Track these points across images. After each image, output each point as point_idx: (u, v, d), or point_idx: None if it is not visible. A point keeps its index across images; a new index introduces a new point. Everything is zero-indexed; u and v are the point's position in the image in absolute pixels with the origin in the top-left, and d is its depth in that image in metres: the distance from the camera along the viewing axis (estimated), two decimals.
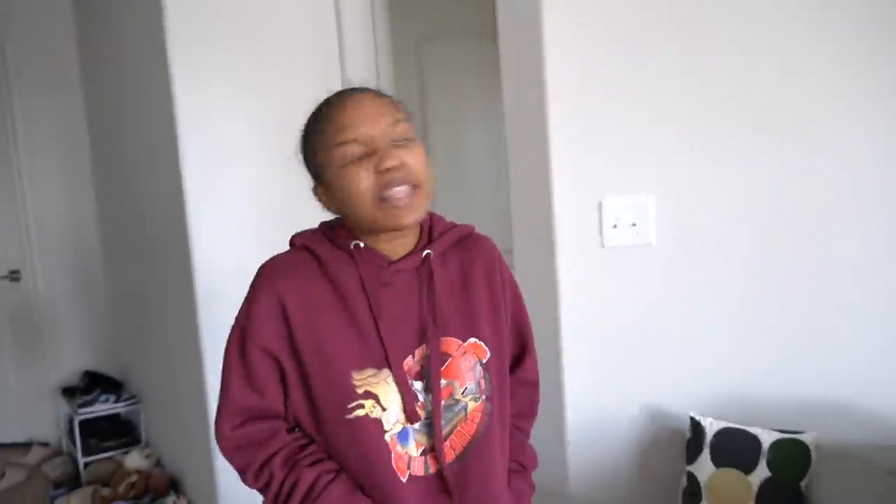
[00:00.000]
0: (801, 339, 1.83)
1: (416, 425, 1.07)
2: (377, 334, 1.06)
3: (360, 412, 1.04)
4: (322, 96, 1.13)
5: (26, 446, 3.74)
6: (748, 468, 1.69)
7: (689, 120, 1.85)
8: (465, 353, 1.11)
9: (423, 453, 1.08)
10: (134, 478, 3.00)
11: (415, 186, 1.05)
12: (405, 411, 1.06)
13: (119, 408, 3.48)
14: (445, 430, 1.08)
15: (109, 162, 3.53)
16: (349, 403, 1.04)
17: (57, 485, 3.29)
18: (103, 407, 3.43)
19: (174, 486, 2.99)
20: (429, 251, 1.11)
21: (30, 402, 3.86)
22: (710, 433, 1.75)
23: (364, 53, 2.76)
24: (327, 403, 1.06)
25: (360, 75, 2.71)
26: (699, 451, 1.75)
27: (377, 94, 1.10)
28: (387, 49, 2.83)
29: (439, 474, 1.08)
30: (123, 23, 2.95)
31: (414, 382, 1.07)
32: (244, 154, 2.56)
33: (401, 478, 1.06)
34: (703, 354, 1.88)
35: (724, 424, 1.75)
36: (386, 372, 1.05)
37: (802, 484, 1.65)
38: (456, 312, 1.12)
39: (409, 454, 1.07)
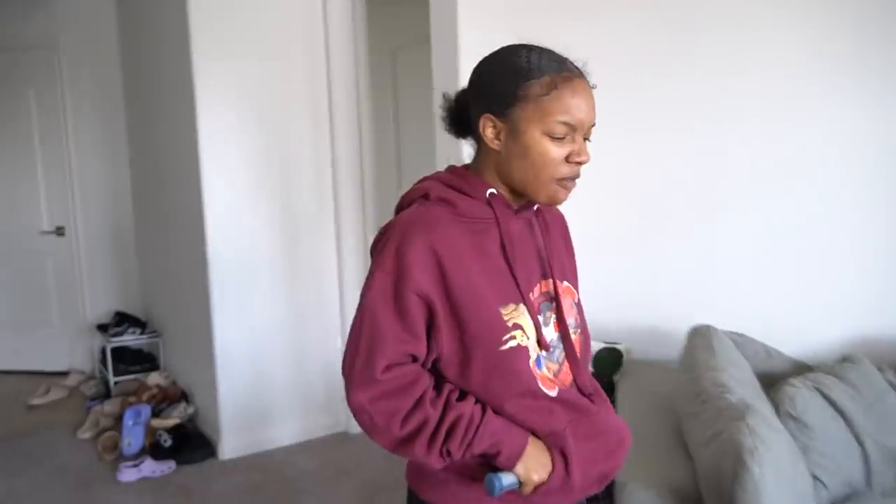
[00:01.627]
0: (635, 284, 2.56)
1: (544, 353, 1.14)
2: (511, 273, 1.13)
3: (513, 343, 1.10)
4: (482, 49, 1.20)
5: (66, 374, 4.51)
6: (608, 370, 2.41)
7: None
8: (564, 293, 1.22)
9: (554, 375, 1.16)
10: (154, 391, 3.77)
11: None
12: (538, 340, 1.13)
13: (143, 340, 4.26)
14: (562, 357, 1.18)
15: (141, 136, 4.30)
16: (503, 336, 1.10)
17: (92, 399, 4.07)
18: (130, 338, 4.22)
19: (185, 397, 3.76)
20: (538, 206, 1.22)
21: (70, 337, 4.65)
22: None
23: (346, 59, 3.49)
24: (481, 339, 1.09)
25: (343, 77, 3.47)
26: None
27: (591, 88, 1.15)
28: (365, 55, 3.55)
29: (573, 390, 1.18)
30: (156, 18, 3.70)
31: (538, 316, 1.15)
32: (248, 133, 3.32)
33: (551, 393, 1.13)
34: None
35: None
36: (522, 307, 1.13)
37: (615, 378, 2.37)
38: (556, 259, 1.23)
39: (545, 377, 1.14)
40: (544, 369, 1.14)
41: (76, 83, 4.47)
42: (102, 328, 4.41)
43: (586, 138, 1.13)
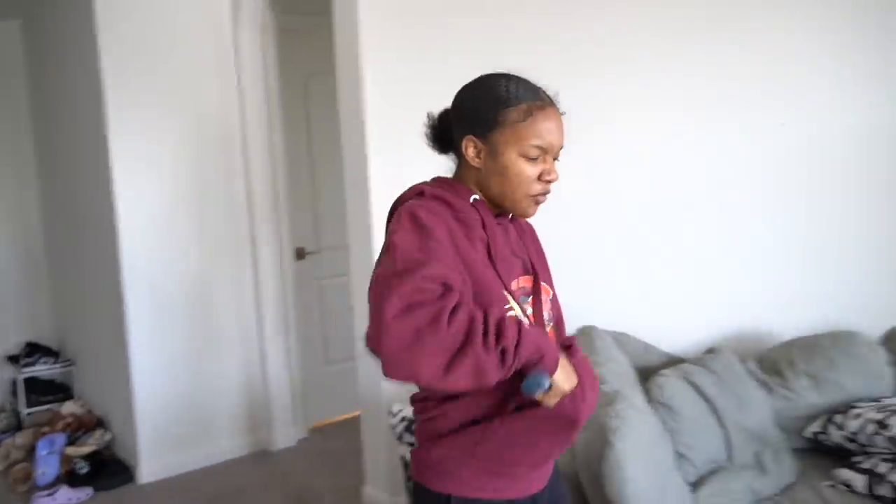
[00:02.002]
0: None
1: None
2: (493, 266, 1.23)
3: (511, 313, 1.20)
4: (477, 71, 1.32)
5: None
6: None
7: None
8: (542, 289, 1.32)
9: None
10: (69, 419, 3.74)
11: None
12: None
13: (57, 369, 4.21)
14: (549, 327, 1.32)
15: (51, 163, 4.27)
16: (505, 305, 1.21)
17: (3, 432, 3.99)
18: (43, 368, 4.17)
19: (101, 424, 3.75)
20: (512, 214, 1.33)
21: None
22: None
23: (257, 87, 3.60)
24: (490, 305, 1.17)
25: (256, 103, 3.59)
26: None
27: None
28: (276, 83, 3.67)
29: None
30: (64, 42, 3.72)
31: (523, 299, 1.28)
32: (162, 160, 3.39)
33: None
34: None
35: None
36: (509, 295, 1.24)
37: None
38: (534, 258, 1.35)
39: None
40: None
41: None
42: (13, 359, 4.33)
43: (555, 159, 1.27)
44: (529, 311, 1.28)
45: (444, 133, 1.34)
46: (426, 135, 1.36)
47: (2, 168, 4.48)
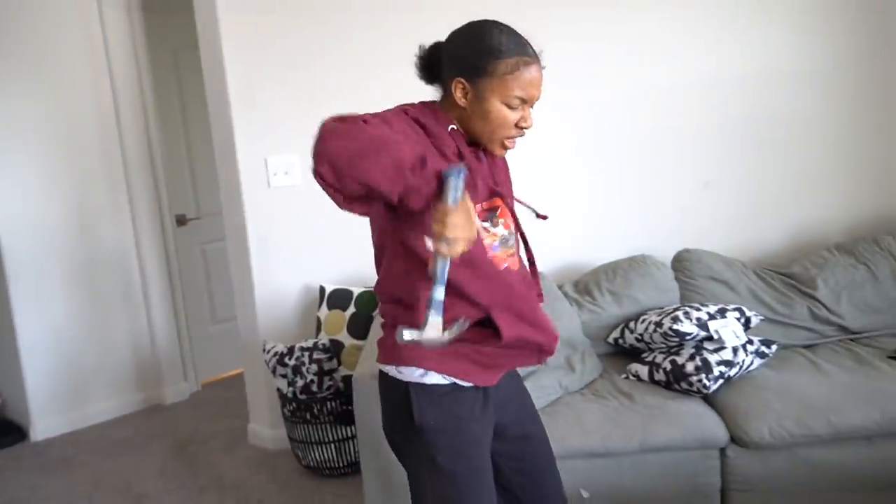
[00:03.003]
0: None
1: (496, 243, 1.45)
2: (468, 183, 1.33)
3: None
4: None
5: None
6: (344, 308, 2.94)
7: (326, 107, 3.04)
8: (507, 211, 1.51)
9: (508, 257, 1.49)
10: None
11: None
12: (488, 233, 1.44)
13: None
14: (513, 249, 1.52)
15: None
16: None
17: None
18: None
19: None
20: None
21: None
22: (328, 291, 2.99)
23: (127, 62, 3.76)
24: None
25: (126, 77, 3.75)
26: (323, 301, 2.99)
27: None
28: (146, 57, 3.84)
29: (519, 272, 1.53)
30: None
31: (483, 223, 1.43)
32: (36, 134, 3.51)
33: (499, 266, 1.45)
34: (337, 247, 3.09)
35: (333, 286, 3.00)
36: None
37: (374, 314, 2.93)
38: (503, 183, 1.55)
39: (500, 258, 1.47)
40: (500, 252, 1.46)
41: None
42: None
43: (531, 107, 1.42)
44: (501, 221, 1.46)
45: (431, 66, 1.47)
46: (415, 64, 1.49)
47: None
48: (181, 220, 4.11)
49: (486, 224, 1.45)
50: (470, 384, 1.46)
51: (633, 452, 2.19)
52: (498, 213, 1.48)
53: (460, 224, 1.20)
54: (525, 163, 1.96)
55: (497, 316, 1.42)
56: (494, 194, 1.47)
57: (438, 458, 1.44)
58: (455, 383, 1.44)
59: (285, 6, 2.98)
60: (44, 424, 3.60)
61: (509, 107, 1.39)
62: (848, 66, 3.03)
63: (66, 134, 3.61)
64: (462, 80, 1.40)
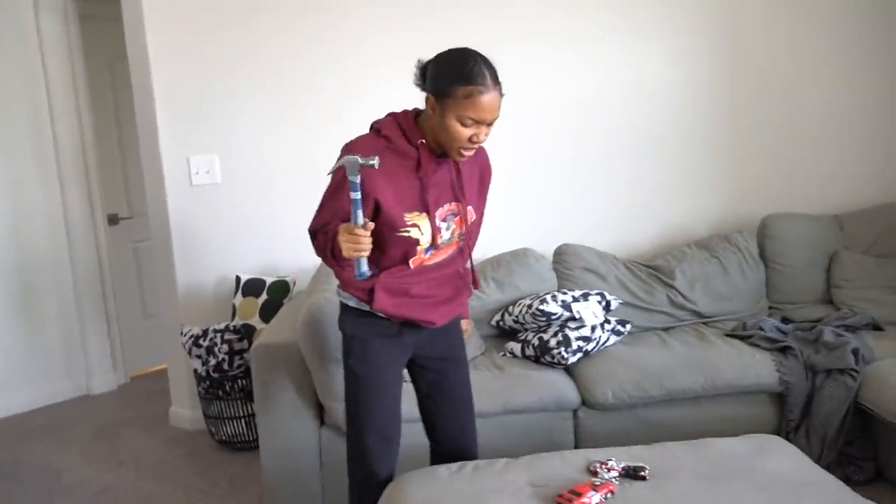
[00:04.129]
0: None
1: (429, 247, 1.80)
2: (422, 193, 1.74)
3: (404, 233, 1.74)
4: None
5: None
6: (257, 295, 3.22)
7: (243, 110, 3.32)
8: (469, 212, 1.84)
9: (429, 256, 1.82)
10: None
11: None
12: (431, 238, 1.77)
13: None
14: (450, 250, 1.87)
15: None
16: (400, 229, 1.74)
17: None
18: None
19: None
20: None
21: None
22: (243, 280, 3.26)
23: (63, 69, 3.98)
24: (389, 226, 1.73)
25: (62, 85, 3.97)
26: (238, 289, 3.26)
27: (501, 93, 1.68)
28: (82, 65, 4.07)
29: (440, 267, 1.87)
30: None
31: (440, 223, 1.79)
32: None
33: (411, 265, 1.81)
34: (253, 240, 3.36)
35: (248, 275, 3.28)
36: (424, 215, 1.75)
37: (285, 301, 3.20)
38: (467, 190, 1.84)
39: (422, 259, 1.81)
40: (427, 255, 1.81)
41: None
42: None
43: (489, 125, 1.69)
44: (453, 227, 1.81)
45: (424, 78, 1.74)
46: (414, 74, 1.76)
47: None
48: (113, 220, 4.33)
49: (443, 224, 1.80)
50: (381, 315, 1.86)
51: (497, 413, 2.51)
52: (457, 219, 1.83)
53: (349, 241, 1.63)
54: None
55: (376, 290, 1.82)
56: (457, 199, 1.82)
57: (350, 361, 1.90)
58: (373, 312, 1.85)
59: (206, 19, 3.26)
60: None
61: (463, 125, 1.67)
62: (709, 87, 3.45)
63: (1, 138, 3.82)
64: (431, 96, 1.70)
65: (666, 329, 3.05)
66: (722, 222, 3.47)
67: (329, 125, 3.29)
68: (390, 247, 1.78)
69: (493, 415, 2.51)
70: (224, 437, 3.16)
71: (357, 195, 1.61)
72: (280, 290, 3.23)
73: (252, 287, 3.26)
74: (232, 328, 3.08)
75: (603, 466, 1.72)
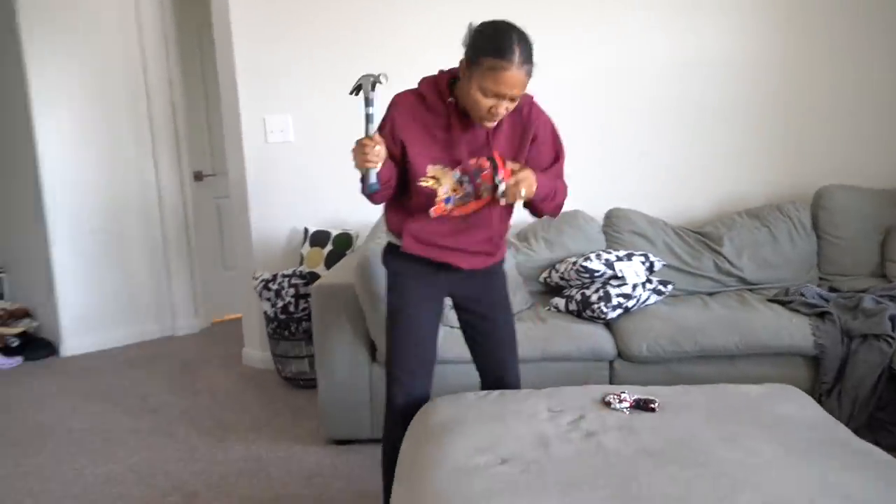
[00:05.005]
0: None
1: (455, 195, 1.90)
2: (451, 145, 1.85)
3: (423, 182, 1.87)
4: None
5: None
6: (323, 245, 3.46)
7: (316, 72, 3.56)
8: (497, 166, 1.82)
9: (452, 208, 1.92)
10: (2, 312, 4.47)
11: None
12: (454, 188, 1.89)
13: None
14: (472, 201, 1.93)
15: None
16: (420, 178, 1.86)
17: None
18: None
19: (28, 315, 4.49)
20: (493, 158, 1.83)
21: None
22: (311, 231, 3.52)
23: (156, 35, 4.32)
24: (412, 172, 1.86)
25: (154, 49, 4.31)
26: (306, 240, 3.52)
27: (529, 71, 1.73)
28: (173, 31, 4.40)
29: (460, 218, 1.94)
30: None
31: (463, 177, 1.88)
32: (76, 97, 4.10)
33: (433, 215, 1.92)
34: (321, 194, 3.61)
35: (315, 228, 3.53)
36: (448, 169, 1.87)
37: (348, 252, 3.44)
38: (504, 148, 1.89)
39: (444, 208, 1.91)
40: (449, 204, 1.91)
41: None
42: None
43: (512, 100, 1.75)
44: (478, 180, 1.88)
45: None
46: (464, 35, 1.80)
47: None
48: (198, 176, 4.68)
49: (465, 178, 1.89)
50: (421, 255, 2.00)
51: (537, 360, 2.67)
52: (482, 174, 1.89)
53: (358, 151, 1.78)
54: None
55: (404, 235, 1.98)
56: (482, 154, 1.88)
57: (390, 294, 2.07)
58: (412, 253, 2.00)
59: None
60: (71, 343, 4.20)
61: (484, 94, 1.73)
62: (768, 57, 3.45)
63: (101, 95, 4.19)
64: (465, 60, 1.78)
65: (711, 294, 3.12)
66: (777, 193, 3.48)
67: (395, 87, 3.47)
68: (414, 193, 1.91)
69: (533, 360, 2.67)
70: (289, 375, 3.44)
71: (370, 109, 1.74)
72: (344, 241, 3.47)
73: (319, 238, 3.51)
74: (298, 273, 3.34)
75: (616, 397, 1.85)
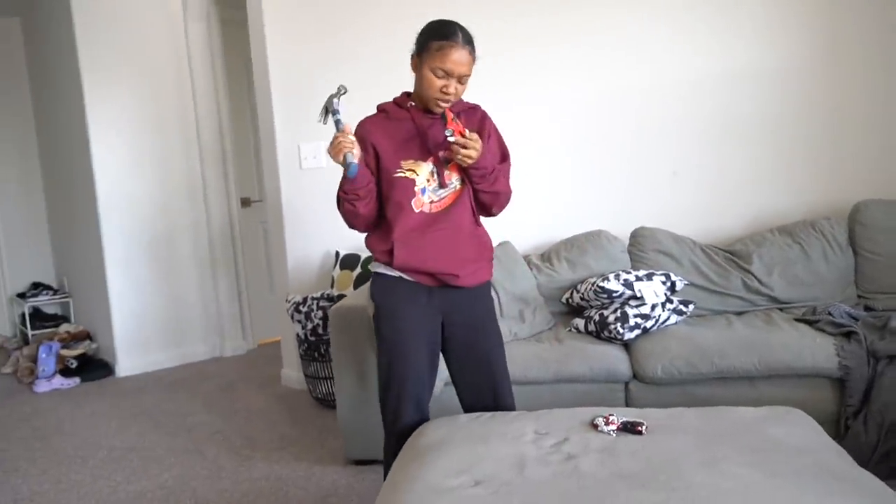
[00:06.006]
0: None
1: (430, 187, 2.01)
2: (423, 142, 2.00)
3: (400, 174, 1.99)
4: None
5: None
6: (353, 268, 3.54)
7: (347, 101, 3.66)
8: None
9: (430, 202, 2.02)
10: (64, 335, 4.75)
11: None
12: (440, 180, 2.01)
13: (56, 300, 5.22)
14: (448, 193, 2.04)
15: (47, 136, 5.26)
16: (395, 171, 1.99)
17: (15, 349, 5.00)
18: (44, 299, 5.17)
19: (89, 337, 4.75)
20: (444, 112, 1.98)
21: None
22: (341, 255, 3.61)
23: (204, 66, 4.55)
24: (388, 170, 1.99)
25: (203, 79, 4.54)
26: (337, 263, 3.61)
27: (472, 50, 1.93)
28: (221, 63, 4.62)
29: (438, 213, 2.03)
30: (54, 41, 4.69)
31: (434, 167, 2.01)
32: (130, 126, 4.35)
33: (415, 209, 2.01)
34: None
35: (346, 251, 3.61)
36: (420, 162, 2.00)
37: None
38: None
39: (422, 201, 2.01)
40: (425, 196, 2.01)
41: None
42: (21, 296, 5.34)
43: (460, 82, 1.94)
44: (447, 171, 2.02)
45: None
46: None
47: (9, 141, 5.47)
48: (245, 202, 4.86)
49: (435, 169, 2.02)
50: (411, 279, 2.07)
51: (549, 381, 2.66)
52: (448, 165, 2.03)
53: (333, 146, 1.94)
54: (518, 157, 2.36)
55: (395, 247, 2.04)
56: (446, 149, 1.99)
57: (380, 325, 2.11)
58: (400, 276, 2.07)
59: (316, 24, 3.65)
60: (125, 364, 4.42)
61: (435, 75, 1.93)
62: (802, 70, 3.35)
63: (152, 125, 4.43)
64: (414, 55, 2.00)
65: (739, 313, 3.03)
66: (813, 208, 3.36)
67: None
68: (391, 190, 2.01)
69: (546, 382, 2.66)
70: (319, 395, 3.52)
71: (338, 116, 1.96)
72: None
73: (348, 261, 3.59)
74: (326, 296, 3.42)
75: (604, 420, 1.83)
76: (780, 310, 3.02)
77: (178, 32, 4.47)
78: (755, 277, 3.06)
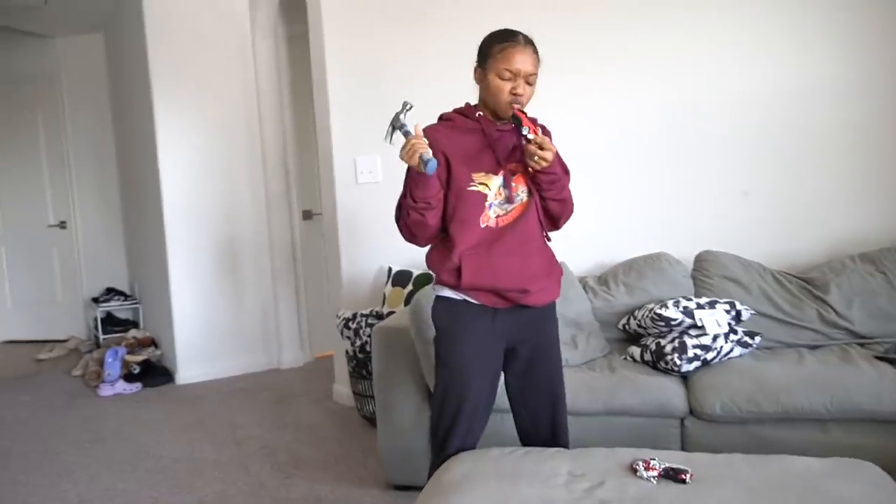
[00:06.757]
0: None
1: (497, 201, 1.94)
2: (494, 155, 1.94)
3: (473, 187, 1.92)
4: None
5: (67, 340, 5.62)
6: (404, 285, 3.47)
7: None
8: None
9: (496, 217, 1.95)
10: (131, 340, 4.87)
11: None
12: (508, 195, 1.94)
13: (127, 306, 5.38)
14: (514, 206, 1.96)
15: (123, 148, 5.45)
16: (468, 185, 1.91)
17: (87, 352, 5.17)
18: (116, 304, 5.34)
19: (154, 343, 4.86)
20: (515, 113, 1.90)
21: (70, 310, 5.78)
22: (393, 271, 3.54)
23: (271, 84, 4.61)
24: (459, 182, 1.91)
25: (269, 95, 4.59)
26: (389, 279, 3.55)
27: (535, 51, 1.92)
28: (287, 78, 4.67)
29: (504, 228, 1.95)
30: (132, 58, 4.86)
31: (503, 180, 1.94)
32: (196, 140, 4.44)
33: (481, 224, 1.93)
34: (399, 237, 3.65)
35: (398, 267, 3.55)
36: (492, 175, 1.93)
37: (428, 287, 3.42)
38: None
39: (489, 216, 1.93)
40: (492, 211, 1.94)
41: (75, 109, 5.66)
42: (95, 300, 5.53)
43: (528, 83, 1.90)
44: (513, 184, 1.95)
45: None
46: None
47: (89, 152, 5.70)
48: (307, 215, 4.88)
49: (503, 183, 1.95)
50: (476, 301, 1.97)
51: (598, 413, 2.50)
52: (514, 178, 1.96)
53: (407, 149, 1.85)
54: (577, 173, 2.25)
55: (463, 267, 1.94)
56: (517, 161, 1.96)
57: (441, 350, 2.03)
58: (465, 299, 1.98)
59: (374, 36, 3.61)
60: (185, 372, 4.49)
61: (502, 78, 1.89)
62: (882, 81, 3.09)
63: (219, 138, 4.51)
64: (477, 67, 1.97)
65: (813, 347, 2.79)
66: None
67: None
68: (460, 204, 1.92)
69: (595, 414, 2.51)
70: (367, 413, 3.46)
71: (406, 129, 1.92)
72: (424, 281, 3.46)
73: (400, 278, 3.53)
74: (375, 313, 3.36)
75: (644, 465, 1.68)
76: (860, 345, 2.76)
77: (246, 48, 4.54)
78: (832, 309, 2.82)
